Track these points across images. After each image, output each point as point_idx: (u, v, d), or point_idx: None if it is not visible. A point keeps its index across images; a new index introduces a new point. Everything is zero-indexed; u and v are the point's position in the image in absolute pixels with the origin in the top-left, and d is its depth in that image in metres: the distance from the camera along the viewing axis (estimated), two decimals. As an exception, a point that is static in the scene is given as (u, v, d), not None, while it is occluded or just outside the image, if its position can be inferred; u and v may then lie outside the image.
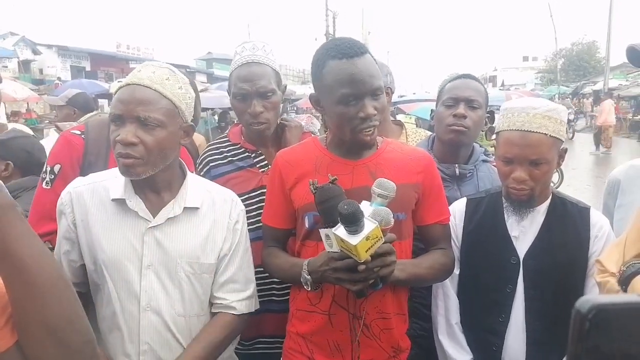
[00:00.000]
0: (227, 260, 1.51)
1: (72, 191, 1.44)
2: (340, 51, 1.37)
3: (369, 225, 1.21)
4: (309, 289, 1.40)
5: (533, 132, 1.49)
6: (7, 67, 20.43)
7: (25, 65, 21.97)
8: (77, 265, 1.45)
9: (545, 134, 1.48)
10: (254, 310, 1.56)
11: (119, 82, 1.41)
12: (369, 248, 1.22)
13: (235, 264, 1.52)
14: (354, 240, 1.20)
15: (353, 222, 1.18)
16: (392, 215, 1.28)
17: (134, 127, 1.31)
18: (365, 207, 1.28)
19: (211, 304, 1.52)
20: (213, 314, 1.51)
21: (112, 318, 1.40)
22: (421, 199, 1.51)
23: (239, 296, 1.52)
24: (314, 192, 1.32)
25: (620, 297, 0.44)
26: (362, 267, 1.24)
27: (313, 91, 1.50)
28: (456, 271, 1.69)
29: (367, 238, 1.20)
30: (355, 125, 1.39)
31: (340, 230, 1.22)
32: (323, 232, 1.32)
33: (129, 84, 1.34)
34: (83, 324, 0.85)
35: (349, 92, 1.35)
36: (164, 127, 1.35)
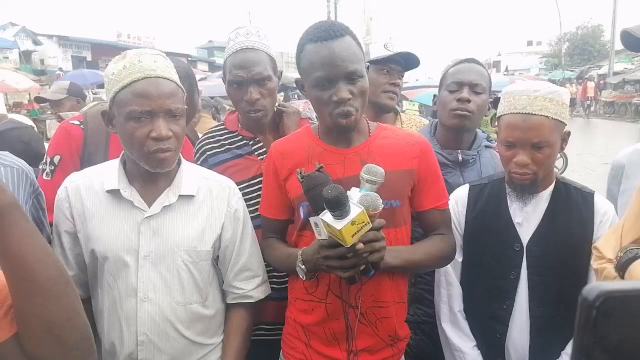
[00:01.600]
0: (236, 249, 1.52)
1: (68, 186, 1.45)
2: (316, 34, 1.35)
3: (355, 210, 1.20)
4: (304, 278, 1.39)
5: (534, 114, 1.46)
6: (8, 58, 20.39)
7: (26, 56, 21.93)
8: (82, 259, 1.46)
9: (547, 116, 1.46)
10: (269, 293, 1.61)
11: (112, 75, 1.33)
12: (355, 233, 1.21)
13: (246, 252, 1.54)
14: (339, 224, 1.19)
15: (337, 206, 1.18)
16: (380, 200, 1.26)
17: (165, 121, 1.31)
18: (354, 193, 1.27)
19: (222, 295, 1.56)
20: (218, 302, 1.55)
21: (110, 310, 1.41)
22: (417, 185, 1.48)
23: (255, 282, 1.55)
24: (301, 180, 1.32)
25: (628, 284, 0.42)
26: (349, 252, 1.24)
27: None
28: (459, 258, 1.68)
29: (353, 223, 1.20)
30: (330, 110, 1.36)
31: (326, 215, 1.22)
32: (312, 220, 1.32)
33: (146, 77, 1.30)
34: (81, 321, 0.86)
35: (322, 75, 1.34)
36: (184, 115, 1.38)
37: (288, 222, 1.58)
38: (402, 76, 2.19)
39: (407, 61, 2.18)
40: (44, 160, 1.76)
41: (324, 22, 1.40)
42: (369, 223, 1.23)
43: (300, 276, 1.40)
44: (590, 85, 23.94)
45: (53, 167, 1.71)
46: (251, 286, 1.54)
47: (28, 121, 3.07)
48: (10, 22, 23.41)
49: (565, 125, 1.52)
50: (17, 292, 0.80)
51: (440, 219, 1.54)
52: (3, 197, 0.76)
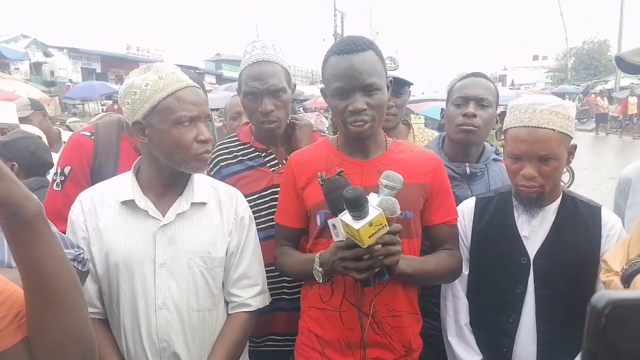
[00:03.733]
0: (237, 256, 1.54)
1: (82, 200, 1.48)
2: (340, 47, 1.43)
3: (373, 212, 1.24)
4: (321, 281, 1.41)
5: (540, 127, 1.48)
6: (18, 69, 20.68)
7: (36, 67, 22.23)
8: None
9: (553, 129, 1.48)
10: (267, 304, 1.61)
11: (145, 85, 1.40)
12: (373, 234, 1.25)
13: (246, 260, 1.56)
14: (357, 224, 1.23)
15: (357, 206, 1.21)
16: (398, 205, 1.30)
17: (205, 125, 1.42)
18: (373, 197, 1.31)
19: (226, 302, 1.56)
20: (226, 310, 1.56)
21: (130, 321, 1.42)
22: (429, 200, 1.53)
23: (253, 291, 1.56)
24: (321, 183, 1.35)
25: (637, 293, 0.43)
26: (366, 254, 1.27)
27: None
28: (465, 271, 1.68)
29: (371, 224, 1.23)
30: (345, 118, 1.44)
31: (345, 215, 1.26)
32: (330, 222, 1.36)
33: (188, 86, 1.41)
34: (89, 331, 0.88)
35: (340, 85, 1.42)
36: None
37: (302, 231, 1.60)
38: (402, 94, 2.15)
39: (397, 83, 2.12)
40: (55, 171, 1.78)
41: (350, 37, 1.49)
42: (386, 226, 1.26)
43: (317, 279, 1.42)
44: (633, 101, 21.08)
45: (63, 178, 1.73)
46: (249, 294, 1.55)
47: (38, 131, 3.10)
48: (21, 34, 23.78)
49: (572, 138, 1.53)
50: (34, 300, 0.81)
51: (448, 234, 1.58)
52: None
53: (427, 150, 1.64)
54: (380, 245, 1.27)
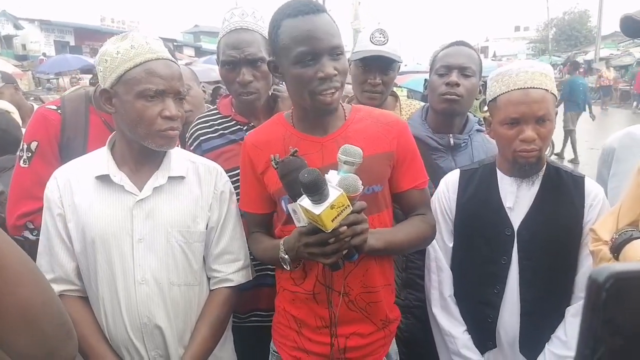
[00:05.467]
0: (218, 231, 1.52)
1: (57, 176, 1.44)
2: (295, 9, 1.29)
3: (334, 193, 1.16)
4: (289, 268, 1.36)
5: (536, 88, 1.47)
6: (-12, 42, 19.92)
7: (7, 40, 21.47)
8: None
9: (546, 89, 1.48)
10: (251, 279, 1.58)
11: (116, 53, 1.33)
12: (336, 217, 1.17)
13: (227, 234, 1.53)
14: (317, 209, 1.15)
15: (315, 190, 1.13)
16: (360, 182, 1.22)
17: (173, 101, 1.36)
18: (333, 176, 1.23)
19: (208, 278, 1.54)
20: (208, 285, 1.54)
21: (110, 297, 1.40)
22: (395, 166, 1.45)
23: (235, 266, 1.54)
24: (275, 167, 1.26)
25: (639, 265, 0.41)
26: (330, 238, 1.20)
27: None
28: (449, 243, 1.68)
29: (332, 206, 1.15)
30: (314, 87, 1.30)
31: (304, 200, 1.18)
32: (290, 207, 1.28)
33: (159, 58, 1.34)
34: (56, 307, 0.84)
35: (306, 49, 1.27)
36: (184, 97, 1.43)
37: (271, 215, 1.54)
38: (389, 72, 2.03)
39: (385, 60, 2.02)
40: (21, 147, 1.71)
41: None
42: (349, 206, 1.19)
43: (285, 267, 1.36)
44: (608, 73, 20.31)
45: (30, 154, 1.66)
46: (231, 269, 1.53)
47: (9, 106, 2.97)
48: (-11, 6, 22.82)
49: (557, 100, 1.54)
50: None
51: (419, 199, 1.51)
52: None
53: (388, 114, 1.54)
54: (345, 227, 1.19)
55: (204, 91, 2.44)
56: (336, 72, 1.29)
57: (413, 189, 1.49)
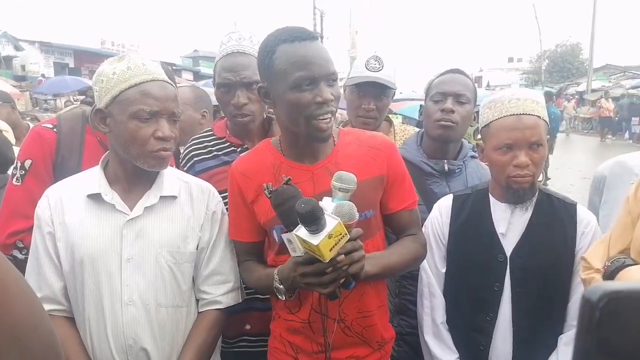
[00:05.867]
0: (208, 252, 1.50)
1: (49, 194, 1.44)
2: (291, 35, 1.30)
3: (331, 222, 1.14)
4: (284, 298, 1.33)
5: (528, 114, 1.50)
6: (-13, 63, 20.04)
7: (6, 61, 21.60)
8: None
9: (538, 116, 1.50)
10: (241, 301, 1.56)
11: (112, 74, 1.35)
12: (333, 246, 1.15)
13: (217, 256, 1.52)
14: (315, 239, 1.13)
15: (312, 220, 1.11)
16: (355, 209, 1.21)
17: (167, 122, 1.37)
18: (327, 203, 1.22)
19: (197, 300, 1.52)
20: (198, 308, 1.52)
21: (96, 317, 1.38)
22: (386, 188, 1.44)
23: (224, 288, 1.52)
24: (268, 196, 1.25)
25: (632, 284, 0.40)
26: (328, 267, 1.18)
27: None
28: (442, 269, 1.67)
29: (330, 236, 1.13)
30: (310, 112, 1.28)
31: (301, 230, 1.15)
32: (285, 236, 1.26)
33: (154, 80, 1.35)
34: (47, 329, 0.82)
35: (305, 74, 1.26)
36: (179, 118, 1.44)
37: (262, 242, 1.52)
38: (383, 97, 2.06)
39: (380, 86, 2.04)
40: (14, 165, 1.70)
41: (291, 26, 1.36)
42: (346, 234, 1.17)
43: (280, 297, 1.34)
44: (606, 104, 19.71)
45: (24, 172, 1.65)
46: (220, 291, 1.51)
47: (4, 126, 2.98)
48: (-9, 27, 23.03)
49: (548, 127, 1.57)
50: None
51: (409, 220, 1.50)
52: None
53: (376, 135, 1.51)
54: (342, 256, 1.17)
55: (204, 115, 2.43)
56: (332, 98, 1.30)
57: (403, 210, 1.48)
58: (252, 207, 1.43)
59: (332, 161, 1.40)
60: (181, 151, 1.95)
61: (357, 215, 1.22)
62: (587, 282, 1.37)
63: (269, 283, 1.35)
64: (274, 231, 1.40)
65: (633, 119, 18.96)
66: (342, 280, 1.23)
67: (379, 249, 1.45)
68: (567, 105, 23.19)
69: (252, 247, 1.51)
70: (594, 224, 1.57)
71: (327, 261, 1.17)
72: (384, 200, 1.46)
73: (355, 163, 1.38)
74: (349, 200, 1.23)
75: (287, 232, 1.25)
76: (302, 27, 1.34)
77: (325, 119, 1.30)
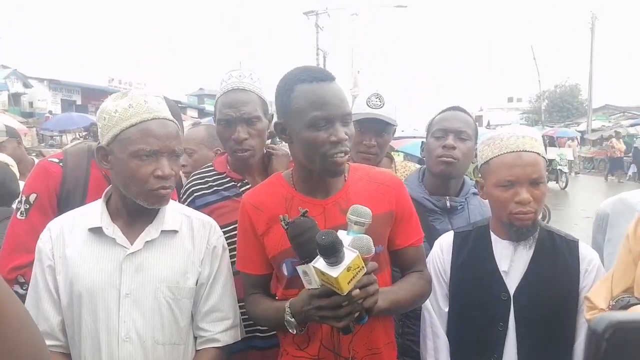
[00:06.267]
0: (208, 288, 1.48)
1: (51, 228, 1.44)
2: (310, 75, 1.35)
3: (350, 255, 1.14)
4: (294, 332, 1.32)
5: (528, 151, 1.50)
6: (-4, 99, 20.42)
7: (15, 98, 22.02)
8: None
9: (538, 153, 1.51)
10: (240, 339, 1.53)
11: (114, 112, 1.37)
12: (351, 279, 1.15)
13: (217, 292, 1.49)
14: (334, 272, 1.13)
15: (332, 252, 1.12)
16: (372, 242, 1.22)
17: (167, 160, 1.37)
18: (343, 236, 1.21)
19: (195, 337, 1.49)
20: (195, 346, 1.49)
21: (91, 353, 1.36)
22: (394, 225, 1.46)
23: (223, 325, 1.49)
24: (285, 227, 1.25)
25: (637, 314, 0.39)
26: (345, 301, 1.18)
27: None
28: (445, 308, 1.64)
29: (349, 269, 1.14)
30: (325, 151, 1.33)
31: (319, 262, 1.16)
32: (300, 269, 1.26)
33: (155, 118, 1.36)
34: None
35: (321, 114, 1.31)
36: (181, 155, 1.44)
37: (270, 275, 1.51)
38: (384, 134, 2.08)
39: (380, 123, 2.07)
40: (19, 199, 1.71)
41: (309, 66, 1.42)
42: (364, 267, 1.18)
43: (290, 330, 1.32)
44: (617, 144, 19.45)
45: (28, 206, 1.66)
46: (219, 328, 1.48)
47: (9, 159, 3.01)
48: (1, 64, 23.62)
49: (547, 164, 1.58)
50: None
51: (415, 256, 1.51)
52: None
53: (384, 172, 1.56)
54: (358, 290, 1.18)
55: (217, 153, 2.44)
56: (346, 137, 1.34)
57: (410, 246, 1.49)
58: (262, 239, 1.43)
59: (343, 196, 1.42)
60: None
61: (374, 249, 1.23)
62: (592, 322, 1.34)
63: (279, 316, 1.34)
64: (284, 264, 1.40)
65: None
66: (356, 315, 1.23)
67: (387, 285, 1.44)
68: (571, 144, 23.29)
69: (260, 280, 1.50)
70: (596, 262, 1.55)
71: (345, 294, 1.16)
72: (391, 236, 1.47)
73: (366, 198, 1.39)
74: (366, 234, 1.24)
75: (300, 264, 1.25)
76: (321, 67, 1.40)
77: (338, 156, 1.34)
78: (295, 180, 1.46)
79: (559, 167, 15.75)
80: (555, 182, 15.51)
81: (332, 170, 1.37)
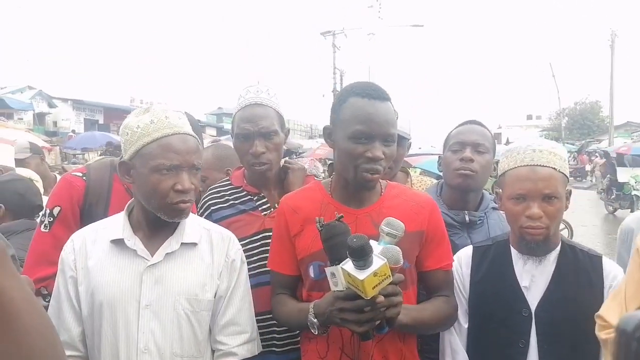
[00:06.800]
0: (226, 301, 1.49)
1: (74, 239, 1.47)
2: (364, 90, 1.41)
3: (378, 262, 1.18)
4: (317, 332, 1.35)
5: (543, 166, 1.48)
6: (22, 119, 21.04)
7: (40, 117, 22.67)
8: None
9: (554, 168, 1.48)
10: (256, 354, 1.54)
11: (136, 128, 1.41)
12: (377, 285, 1.19)
13: (235, 305, 1.50)
14: (361, 275, 1.17)
15: (362, 255, 1.16)
16: (401, 254, 1.26)
17: (188, 174, 1.40)
18: (373, 245, 1.24)
19: (212, 350, 1.50)
20: (212, 358, 1.49)
21: None
22: (424, 245, 1.49)
23: (241, 339, 1.50)
24: (320, 229, 1.29)
25: None
26: (367, 305, 1.21)
27: (329, 124, 1.52)
28: (464, 324, 1.61)
29: (375, 274, 1.17)
30: (359, 164, 1.39)
31: (348, 264, 1.20)
32: (329, 270, 1.29)
33: (176, 133, 1.39)
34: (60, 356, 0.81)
35: (362, 129, 1.37)
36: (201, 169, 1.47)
37: (298, 278, 1.54)
38: (399, 147, 2.07)
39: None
40: (43, 212, 1.75)
41: (371, 83, 1.48)
42: (390, 276, 1.21)
43: (313, 330, 1.35)
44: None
45: (52, 219, 1.70)
46: (236, 342, 1.48)
47: (33, 175, 3.08)
48: (28, 85, 24.41)
49: (568, 180, 1.53)
50: (2, 343, 0.75)
51: (443, 280, 1.53)
52: None
53: (420, 193, 1.61)
54: (382, 297, 1.21)
55: (228, 172, 2.46)
56: (383, 157, 1.39)
57: (439, 270, 1.51)
58: (294, 240, 1.48)
59: (377, 210, 1.46)
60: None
61: (401, 261, 1.26)
62: (608, 342, 1.30)
63: (302, 316, 1.38)
64: (311, 267, 1.44)
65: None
66: (376, 323, 1.25)
67: (411, 303, 1.46)
68: (598, 161, 22.78)
69: (288, 281, 1.54)
70: (620, 277, 1.51)
71: (368, 299, 1.20)
72: (421, 257, 1.49)
73: (398, 215, 1.40)
74: (396, 246, 1.27)
75: (331, 265, 1.29)
76: (379, 87, 1.45)
77: (370, 172, 1.39)
78: (332, 187, 1.53)
79: (634, 192, 12.65)
80: (630, 210, 11.91)
81: (362, 183, 1.43)
